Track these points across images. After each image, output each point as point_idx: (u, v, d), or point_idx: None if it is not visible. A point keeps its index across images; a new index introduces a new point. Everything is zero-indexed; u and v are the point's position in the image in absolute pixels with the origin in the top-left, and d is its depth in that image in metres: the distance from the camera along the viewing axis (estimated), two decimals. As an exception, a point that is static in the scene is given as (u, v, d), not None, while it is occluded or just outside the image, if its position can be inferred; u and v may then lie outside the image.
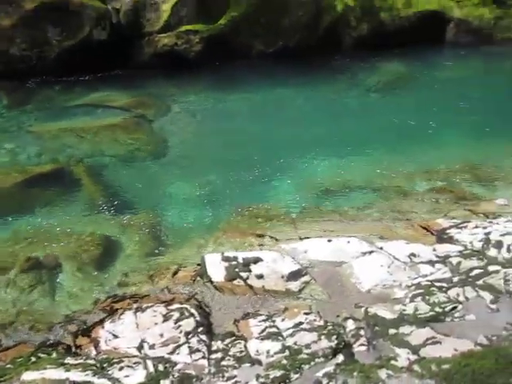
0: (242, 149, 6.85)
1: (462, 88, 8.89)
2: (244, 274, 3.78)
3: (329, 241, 4.09)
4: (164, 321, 3.42)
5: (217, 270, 3.87)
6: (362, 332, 3.16)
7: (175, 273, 4.15)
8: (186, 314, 3.47)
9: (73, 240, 4.86)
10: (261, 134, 7.36)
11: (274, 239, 4.43)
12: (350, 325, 3.23)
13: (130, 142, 7.17)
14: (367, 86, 9.20)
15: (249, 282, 3.74)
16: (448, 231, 4.25)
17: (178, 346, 3.18)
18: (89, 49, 9.67)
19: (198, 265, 4.12)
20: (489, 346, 2.90)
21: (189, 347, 3.17)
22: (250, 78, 9.68)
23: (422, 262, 3.81)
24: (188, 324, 3.36)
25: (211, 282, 3.82)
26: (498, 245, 3.81)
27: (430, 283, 3.54)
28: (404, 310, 3.29)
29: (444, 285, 3.50)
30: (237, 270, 3.82)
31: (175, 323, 3.38)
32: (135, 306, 3.67)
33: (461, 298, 3.33)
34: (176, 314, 3.47)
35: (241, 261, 3.87)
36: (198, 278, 3.93)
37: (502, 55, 11.21)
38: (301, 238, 4.34)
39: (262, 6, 10.97)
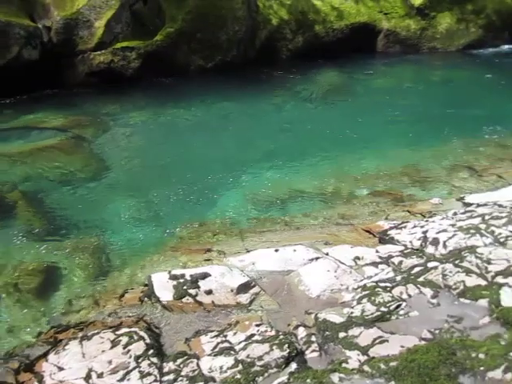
0: (185, 164, 6.81)
1: (393, 95, 9.38)
2: (193, 291, 3.72)
3: (276, 250, 4.13)
4: (112, 347, 3.29)
5: (165, 290, 3.79)
6: (313, 338, 3.19)
7: (122, 295, 4.02)
8: (135, 337, 3.37)
9: (10, 270, 4.58)
10: (204, 149, 7.35)
11: (221, 253, 4.41)
12: (301, 332, 3.26)
13: (68, 163, 6.90)
14: (305, 96, 9.46)
15: (198, 298, 3.69)
16: (389, 232, 4.42)
17: (128, 372, 3.07)
18: (19, 69, 9.29)
19: (145, 285, 4.02)
20: (432, 340, 3.02)
21: (139, 372, 3.06)
22: (190, 93, 9.68)
23: (366, 264, 3.93)
24: (137, 348, 3.26)
25: (160, 302, 3.73)
26: (435, 242, 4.00)
27: (375, 284, 3.64)
28: (352, 313, 3.36)
29: (388, 284, 3.61)
30: (185, 287, 3.76)
31: (124, 348, 3.27)
32: (80, 334, 3.51)
33: (404, 296, 3.44)
34: (124, 339, 3.36)
35: (188, 278, 3.82)
36: (146, 299, 3.83)
37: (428, 63, 11.96)
38: (248, 250, 4.35)
39: (198, 22, 11.05)
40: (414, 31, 12.74)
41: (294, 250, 4.10)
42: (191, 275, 3.84)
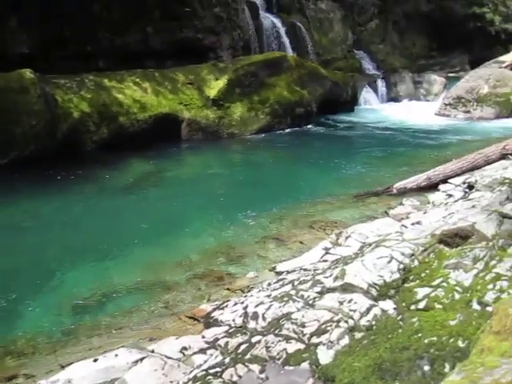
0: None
1: (200, 180, 9.95)
2: None
3: (95, 360, 3.73)
4: None
5: None
6: None
7: None
8: None
9: None
10: (3, 256, 6.45)
11: (29, 377, 3.77)
12: None
13: None
14: (116, 187, 9.29)
15: None
16: (213, 315, 4.44)
17: None
18: None
19: None
20: (265, 418, 3.04)
21: None
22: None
23: (194, 353, 3.83)
24: None
25: None
26: (255, 316, 4.17)
27: (205, 372, 3.56)
28: (185, 411, 3.19)
29: (218, 369, 3.57)
30: (-18, 433, 3.06)
31: None
32: None
33: (234, 378, 3.44)
34: None
35: (-14, 420, 3.13)
36: None
37: (228, 148, 13.20)
38: (63, 366, 3.83)
39: (-13, 117, 10.14)
40: (213, 120, 13.97)
41: (116, 355, 3.77)
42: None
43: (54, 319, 4.91)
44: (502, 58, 19.86)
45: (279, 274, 5.32)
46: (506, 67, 18.70)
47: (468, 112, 18.04)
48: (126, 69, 13.80)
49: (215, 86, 14.35)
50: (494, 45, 31.98)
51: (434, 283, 4.06)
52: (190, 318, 4.48)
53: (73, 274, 5.89)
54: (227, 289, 5.14)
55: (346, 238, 5.95)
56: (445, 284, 4.03)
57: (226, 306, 4.50)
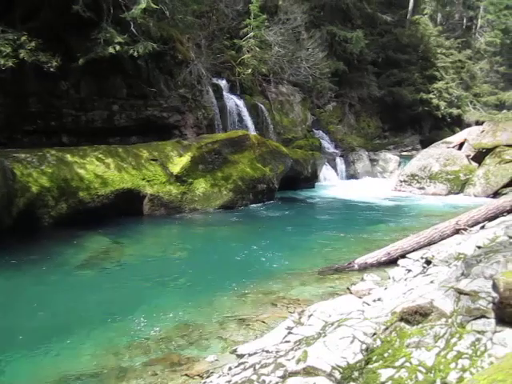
0: None
1: (160, 258, 9.70)
2: None
3: None
4: None
5: None
6: None
7: None
8: None
9: None
10: None
11: None
12: None
13: None
14: (71, 265, 8.88)
15: None
16: (168, 405, 4.14)
17: None
18: None
19: None
20: None
21: None
22: None
23: None
24: None
25: None
26: (214, 405, 3.92)
27: None
28: None
29: None
30: None
31: None
32: None
33: None
34: None
35: None
36: None
37: (190, 224, 13.10)
38: None
39: None
40: (176, 195, 13.98)
41: None
42: None
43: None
44: (449, 139, 21.41)
45: (240, 356, 5.10)
46: (453, 147, 20.09)
47: (422, 188, 18.98)
48: (91, 144, 13.87)
49: (179, 163, 14.54)
50: (441, 127, 34.66)
51: (397, 363, 3.99)
52: (144, 409, 4.15)
53: (12, 363, 5.37)
54: (185, 374, 4.84)
55: (309, 316, 5.84)
56: (408, 364, 3.97)
57: (183, 395, 4.21)
